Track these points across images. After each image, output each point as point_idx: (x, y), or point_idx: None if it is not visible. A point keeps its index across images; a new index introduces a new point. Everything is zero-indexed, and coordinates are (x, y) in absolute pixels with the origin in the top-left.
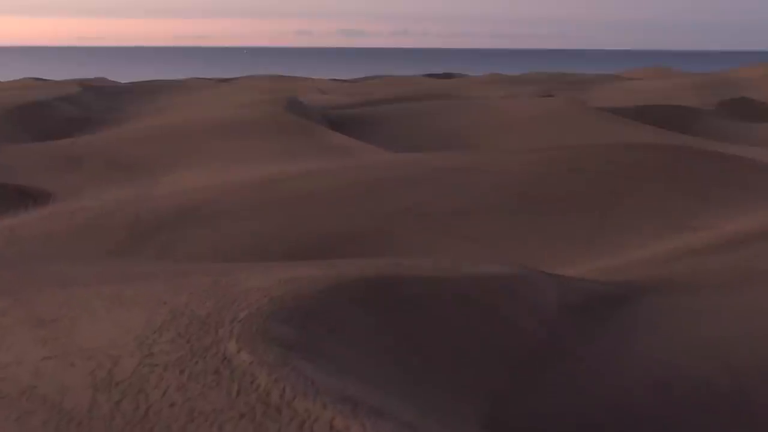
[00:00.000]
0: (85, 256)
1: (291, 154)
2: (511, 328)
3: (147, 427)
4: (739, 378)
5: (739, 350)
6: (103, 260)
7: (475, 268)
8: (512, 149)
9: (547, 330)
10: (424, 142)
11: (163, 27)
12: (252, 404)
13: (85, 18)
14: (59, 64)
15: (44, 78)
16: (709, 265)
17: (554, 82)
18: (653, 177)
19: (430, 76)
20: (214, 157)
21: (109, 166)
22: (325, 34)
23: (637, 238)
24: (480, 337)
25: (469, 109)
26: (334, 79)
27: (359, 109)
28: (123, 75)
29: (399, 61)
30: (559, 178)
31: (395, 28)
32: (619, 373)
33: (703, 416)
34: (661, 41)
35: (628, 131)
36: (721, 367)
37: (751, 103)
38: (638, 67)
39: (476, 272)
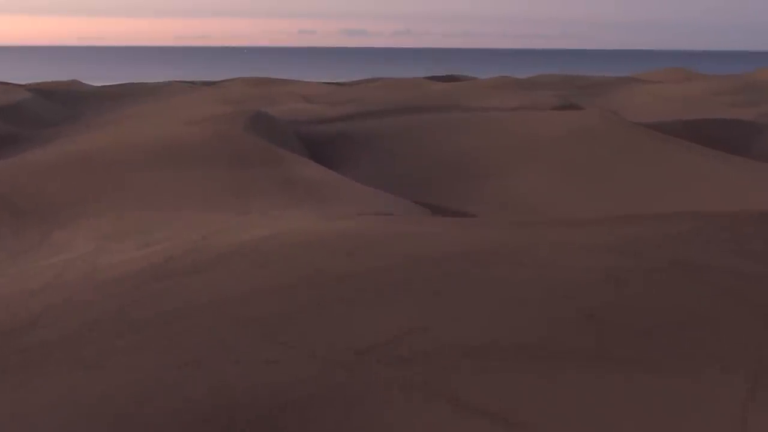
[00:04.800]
0: None
1: (238, 196)
2: None
3: None
4: None
5: None
6: None
7: None
8: (568, 219)
9: None
10: (425, 172)
11: (164, 27)
12: None
13: (85, 18)
14: (48, 64)
15: (5, 81)
16: None
17: (568, 87)
18: None
19: (432, 78)
20: (133, 199)
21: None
22: (327, 33)
23: None
24: None
25: (480, 127)
26: (329, 83)
27: (347, 123)
28: (109, 77)
29: (401, 61)
30: (662, 290)
31: (398, 27)
32: None
33: None
34: (662, 41)
35: (691, 160)
36: None
37: None
38: (652, 69)
39: None
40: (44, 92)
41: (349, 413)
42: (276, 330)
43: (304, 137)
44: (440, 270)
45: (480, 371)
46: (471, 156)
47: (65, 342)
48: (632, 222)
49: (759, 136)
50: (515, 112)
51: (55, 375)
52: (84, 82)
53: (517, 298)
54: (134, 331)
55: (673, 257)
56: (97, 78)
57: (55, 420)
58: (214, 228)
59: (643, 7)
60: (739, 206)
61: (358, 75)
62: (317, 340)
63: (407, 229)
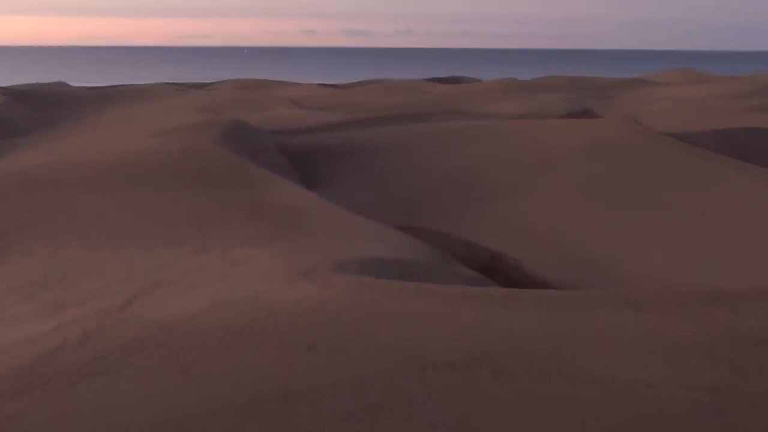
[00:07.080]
0: None
1: (198, 227)
2: None
3: None
4: None
5: None
6: None
7: None
8: (619, 293)
9: None
10: (425, 192)
11: (165, 27)
12: None
13: (84, 18)
14: (44, 65)
15: None
16: None
17: (577, 89)
18: None
19: (434, 80)
20: (72, 231)
21: None
22: (328, 33)
23: None
24: None
25: (487, 138)
26: (326, 84)
27: (338, 133)
28: (103, 78)
29: (402, 61)
30: None
31: (399, 27)
32: None
33: None
34: (661, 41)
35: (738, 179)
36: None
37: None
38: (652, 69)
39: None
40: (22, 95)
41: None
42: None
43: (289, 150)
44: (440, 383)
45: None
46: (477, 173)
47: None
48: (716, 301)
49: None
50: (526, 120)
51: None
52: (72, 84)
53: None
54: None
55: None
56: (90, 79)
57: None
58: (152, 280)
59: (643, 7)
60: None
61: (358, 76)
62: None
63: (395, 304)
